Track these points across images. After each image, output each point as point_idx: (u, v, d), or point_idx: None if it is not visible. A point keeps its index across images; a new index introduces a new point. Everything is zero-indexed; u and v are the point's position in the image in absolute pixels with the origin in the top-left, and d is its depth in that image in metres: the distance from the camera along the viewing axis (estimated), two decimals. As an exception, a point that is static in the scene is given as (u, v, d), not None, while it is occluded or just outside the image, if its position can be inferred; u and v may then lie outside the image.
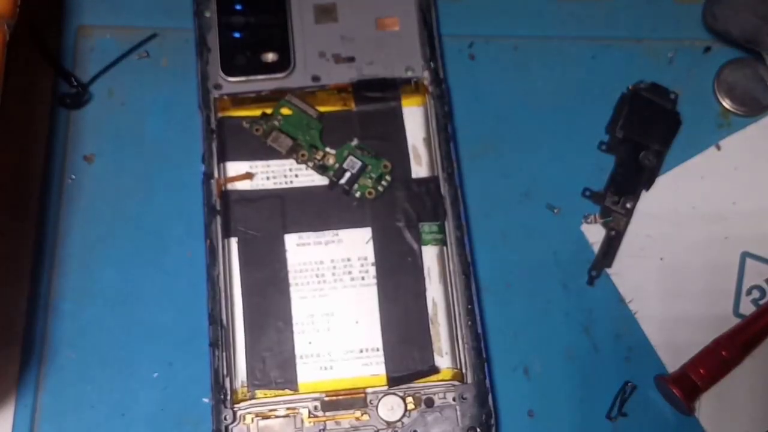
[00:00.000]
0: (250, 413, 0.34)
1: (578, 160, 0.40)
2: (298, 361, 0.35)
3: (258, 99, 0.38)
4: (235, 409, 0.34)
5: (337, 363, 0.35)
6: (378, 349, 0.35)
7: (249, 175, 0.37)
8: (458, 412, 0.34)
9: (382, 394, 0.34)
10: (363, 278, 0.36)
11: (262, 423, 0.34)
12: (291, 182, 0.37)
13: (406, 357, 0.35)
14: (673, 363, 0.37)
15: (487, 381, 0.35)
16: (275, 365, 0.35)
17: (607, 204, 0.39)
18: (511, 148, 0.40)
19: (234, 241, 0.36)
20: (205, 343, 0.35)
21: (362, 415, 0.34)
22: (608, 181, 0.40)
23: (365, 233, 0.36)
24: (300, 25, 0.39)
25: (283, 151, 0.37)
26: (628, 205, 0.39)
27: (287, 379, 0.34)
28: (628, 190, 0.39)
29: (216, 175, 0.37)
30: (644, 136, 0.40)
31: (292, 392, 0.34)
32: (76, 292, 0.37)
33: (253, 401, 0.34)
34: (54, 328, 0.37)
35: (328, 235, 0.36)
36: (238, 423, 0.34)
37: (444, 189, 0.37)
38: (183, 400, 0.36)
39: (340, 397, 0.34)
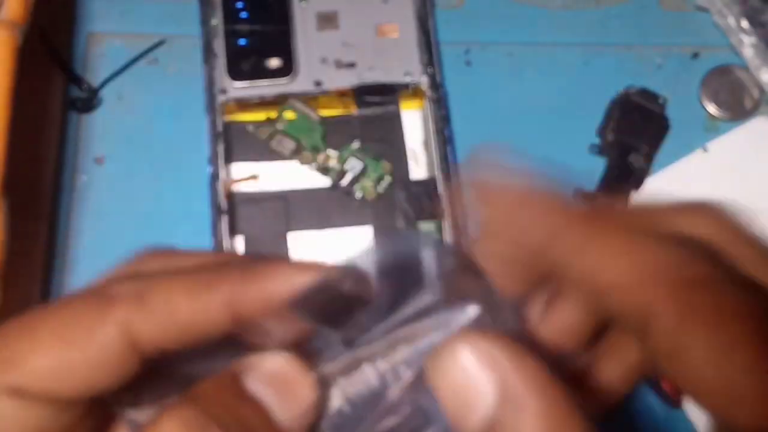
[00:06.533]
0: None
1: (570, 162, 0.40)
2: (302, 355, 0.36)
3: (262, 103, 0.39)
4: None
5: (339, 357, 0.36)
6: (378, 344, 0.36)
7: (254, 177, 0.38)
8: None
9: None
10: (364, 275, 0.37)
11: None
12: (294, 183, 0.38)
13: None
14: (661, 357, 0.38)
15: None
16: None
17: (599, 204, 0.40)
18: (506, 150, 0.41)
19: (240, 240, 0.37)
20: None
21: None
22: (599, 182, 0.40)
23: (366, 232, 0.38)
24: (303, 32, 0.40)
25: (287, 154, 0.39)
26: (619, 206, 0.40)
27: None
28: (618, 191, 0.40)
29: (222, 176, 0.38)
30: (634, 139, 0.41)
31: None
32: (87, 289, 0.38)
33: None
34: (66, 324, 0.38)
35: (330, 233, 0.38)
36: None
37: (441, 190, 0.38)
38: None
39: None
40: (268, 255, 0.21)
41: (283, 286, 0.19)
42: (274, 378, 0.19)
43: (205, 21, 0.40)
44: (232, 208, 0.37)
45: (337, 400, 0.19)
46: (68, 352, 0.19)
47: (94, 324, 0.19)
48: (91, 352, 0.19)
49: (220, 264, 0.20)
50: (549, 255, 0.19)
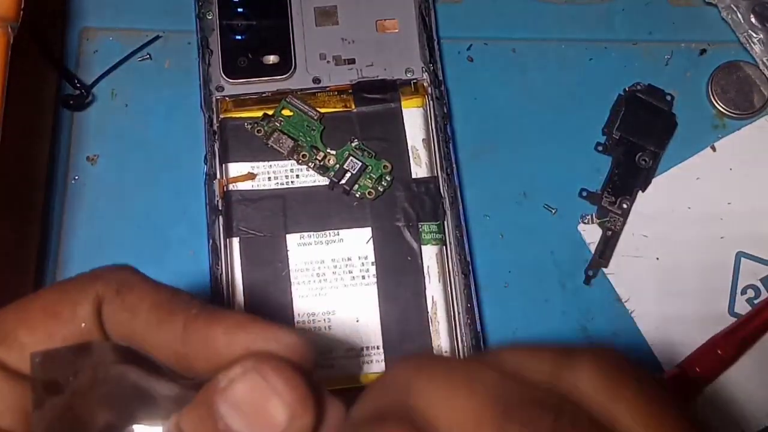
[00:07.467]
0: (251, 410, 0.34)
1: (575, 161, 0.40)
2: (300, 359, 0.35)
3: (259, 100, 0.38)
4: (237, 406, 0.34)
5: (338, 361, 0.35)
6: (378, 348, 0.35)
7: (251, 176, 0.38)
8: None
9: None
10: (363, 277, 0.36)
11: (264, 420, 0.34)
12: (292, 183, 0.38)
13: (406, 355, 0.35)
14: (669, 361, 0.38)
15: (486, 378, 0.35)
16: (277, 363, 0.35)
17: (604, 204, 0.40)
18: (510, 149, 0.40)
19: (236, 241, 0.36)
20: (207, 342, 0.35)
21: (362, 412, 0.35)
22: (605, 181, 0.40)
23: (365, 233, 0.37)
24: (301, 27, 0.40)
25: (285, 152, 0.38)
26: (625, 206, 0.40)
27: (288, 377, 0.35)
28: (624, 191, 0.40)
29: (218, 175, 0.37)
30: (640, 138, 0.40)
31: (293, 390, 0.35)
32: (79, 291, 0.38)
33: (254, 398, 0.34)
34: (58, 327, 0.37)
35: (329, 234, 0.37)
36: (240, 420, 0.34)
37: (443, 189, 0.38)
38: (185, 398, 0.36)
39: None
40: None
41: (228, 341, 0.19)
42: (244, 404, 0.18)
43: (200, 15, 0.39)
44: (227, 208, 0.37)
45: None
46: (54, 325, 0.19)
47: (79, 297, 0.20)
48: (74, 325, 0.19)
49: (188, 300, 0.20)
50: None
